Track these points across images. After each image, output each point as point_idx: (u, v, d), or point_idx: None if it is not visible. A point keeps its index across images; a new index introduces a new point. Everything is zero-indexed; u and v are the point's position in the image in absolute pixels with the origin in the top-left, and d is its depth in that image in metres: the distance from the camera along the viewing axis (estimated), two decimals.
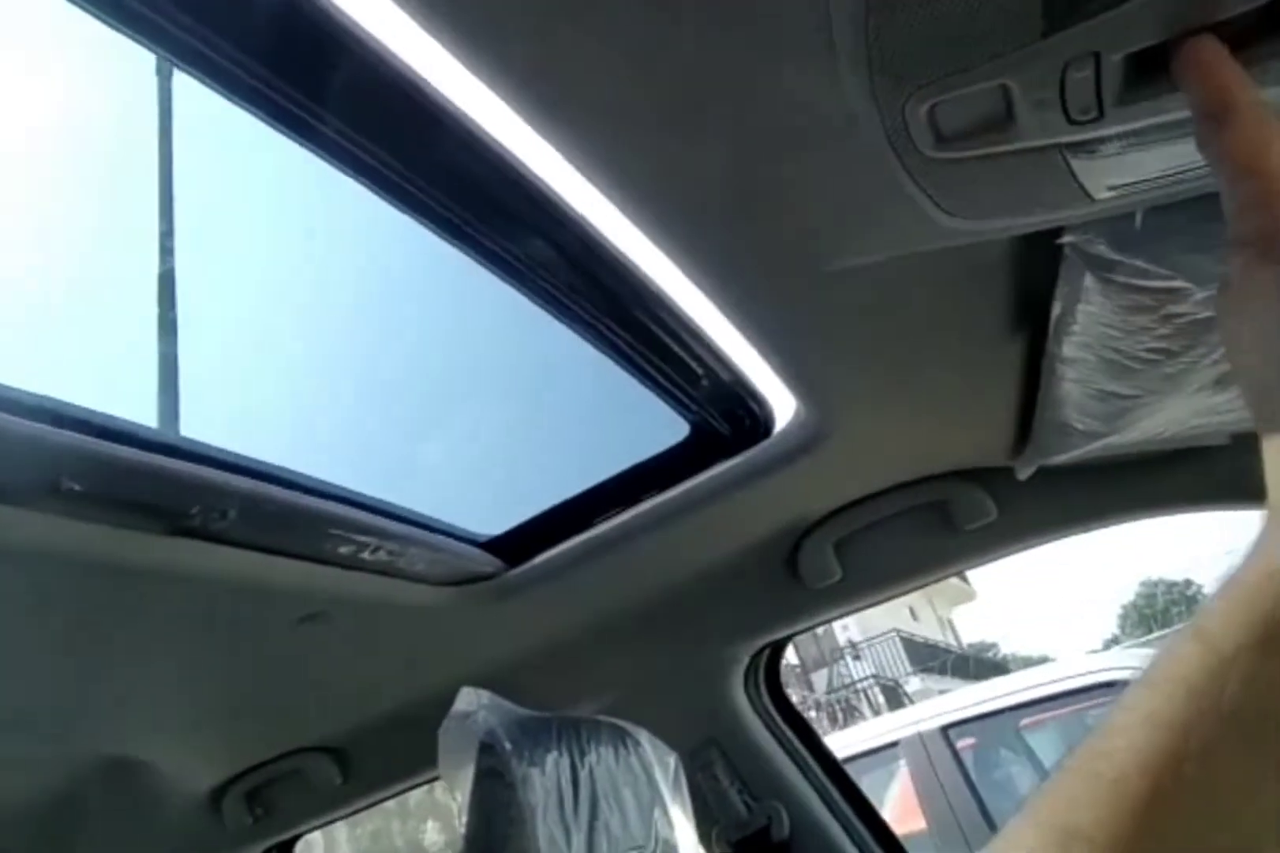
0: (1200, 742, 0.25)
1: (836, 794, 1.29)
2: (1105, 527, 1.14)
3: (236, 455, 0.80)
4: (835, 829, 1.25)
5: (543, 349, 1.08)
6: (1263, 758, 0.25)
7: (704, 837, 1.23)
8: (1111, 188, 0.58)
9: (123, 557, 0.78)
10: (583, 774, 0.95)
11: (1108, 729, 0.28)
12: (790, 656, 11.87)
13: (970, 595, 17.38)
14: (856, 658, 12.90)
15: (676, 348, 0.88)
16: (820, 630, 13.19)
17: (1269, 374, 0.32)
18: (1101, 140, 0.54)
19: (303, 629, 1.01)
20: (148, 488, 0.73)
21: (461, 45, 0.49)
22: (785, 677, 1.36)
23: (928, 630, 15.26)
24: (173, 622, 0.92)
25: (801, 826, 1.25)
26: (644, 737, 1.10)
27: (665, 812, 1.05)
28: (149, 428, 0.78)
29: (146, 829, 1.42)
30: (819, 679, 12.66)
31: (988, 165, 0.55)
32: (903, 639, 13.16)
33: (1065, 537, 1.15)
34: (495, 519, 1.09)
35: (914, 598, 15.73)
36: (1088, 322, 0.78)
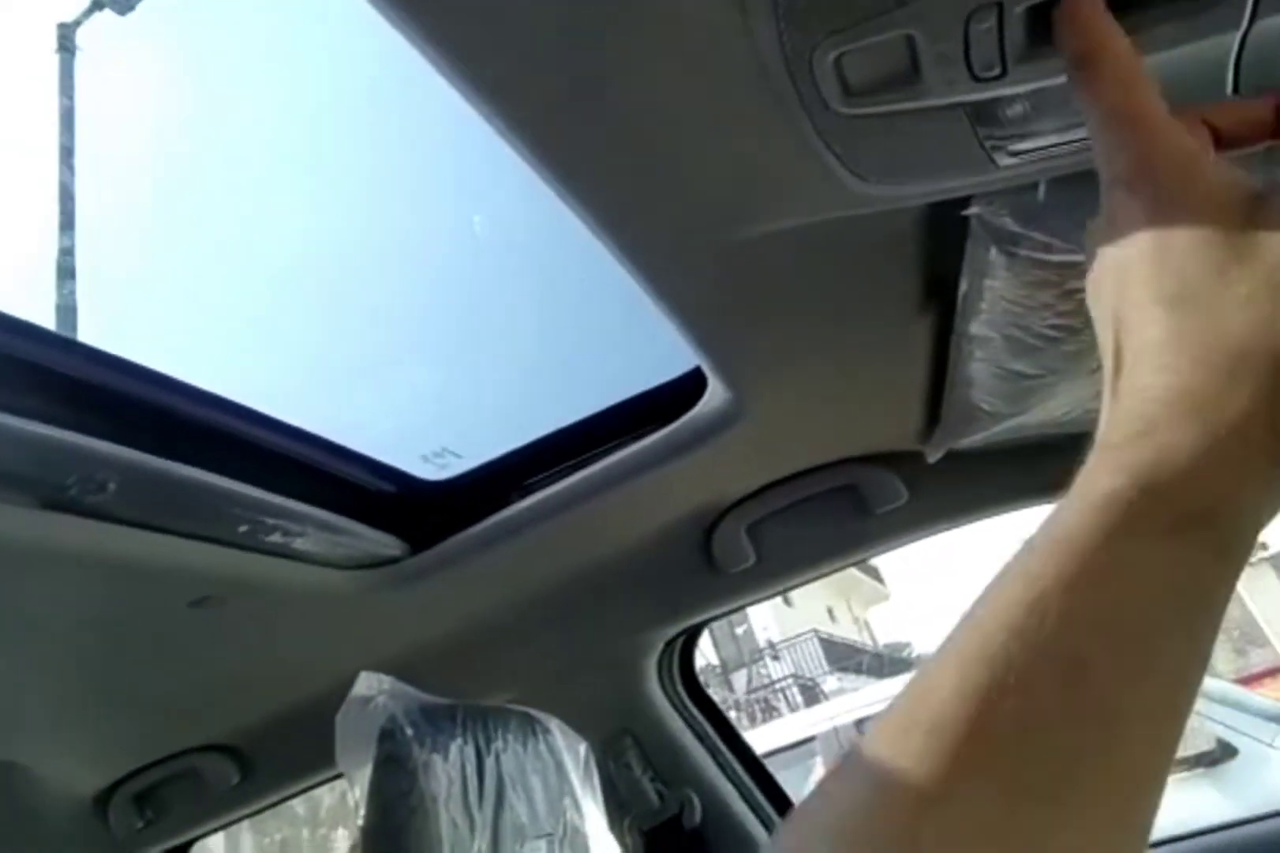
0: (1019, 678, 0.26)
1: (750, 782, 1.29)
2: (1014, 510, 1.17)
3: (117, 423, 0.75)
4: (748, 817, 1.25)
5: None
6: (1076, 694, 0.26)
7: (616, 826, 1.21)
8: (1015, 154, 0.58)
9: None
10: (488, 762, 0.93)
11: (931, 667, 0.28)
12: (710, 656, 11.96)
13: (885, 596, 17.77)
14: (775, 658, 13.05)
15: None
16: (740, 631, 13.33)
17: (1123, 307, 0.32)
18: (1005, 101, 0.54)
19: (193, 616, 0.95)
20: (18, 456, 0.68)
21: None
22: (705, 678, 1.35)
23: (845, 631, 15.54)
24: (46, 606, 0.86)
25: (714, 813, 1.24)
26: (554, 725, 1.08)
27: (575, 800, 1.03)
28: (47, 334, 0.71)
29: (21, 839, 1.33)
30: (739, 680, 12.78)
31: (895, 124, 0.55)
32: (821, 640, 13.37)
33: (975, 520, 1.17)
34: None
35: (832, 599, 16.01)
36: (993, 298, 0.79)
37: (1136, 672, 0.26)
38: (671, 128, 0.58)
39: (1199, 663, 0.28)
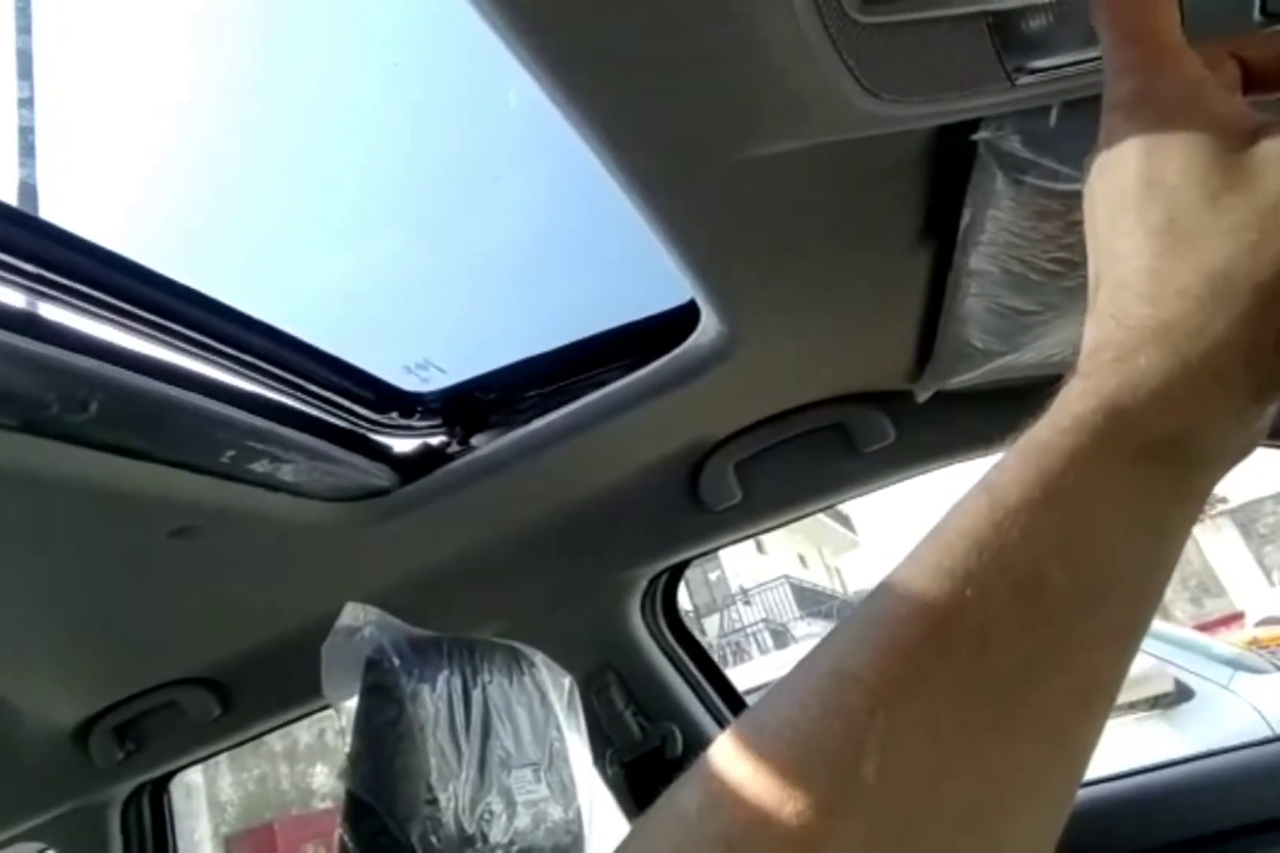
0: (977, 592, 0.26)
1: (730, 716, 1.31)
2: (1001, 452, 1.17)
3: (101, 341, 0.72)
4: None
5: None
6: (1032, 611, 0.26)
7: (598, 758, 1.23)
8: (1033, 71, 0.57)
9: None
10: (475, 693, 0.93)
11: (892, 579, 0.29)
12: (684, 601, 12.15)
13: (855, 544, 18.07)
14: (748, 604, 13.29)
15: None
16: (713, 577, 13.54)
17: (1112, 234, 0.32)
18: (1029, 12, 0.52)
19: (174, 546, 0.94)
20: (2, 372, 0.65)
21: None
22: (686, 624, 1.36)
23: (816, 578, 15.83)
24: (22, 534, 0.84)
25: (695, 746, 1.26)
26: (539, 659, 1.08)
27: (560, 732, 1.04)
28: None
29: (2, 770, 1.33)
30: (711, 624, 13.02)
31: (913, 35, 0.53)
32: (792, 586, 13.62)
33: (962, 461, 1.17)
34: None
35: (804, 546, 16.27)
36: (995, 230, 0.77)
37: (1092, 593, 0.27)
38: (678, 36, 0.55)
39: (1155, 590, 0.28)
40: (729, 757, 0.28)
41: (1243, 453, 0.30)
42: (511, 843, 0.86)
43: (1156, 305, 0.29)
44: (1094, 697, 0.27)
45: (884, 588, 0.28)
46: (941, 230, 0.81)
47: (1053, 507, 0.27)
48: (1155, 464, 0.28)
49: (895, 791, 0.25)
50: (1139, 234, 0.31)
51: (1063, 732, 0.27)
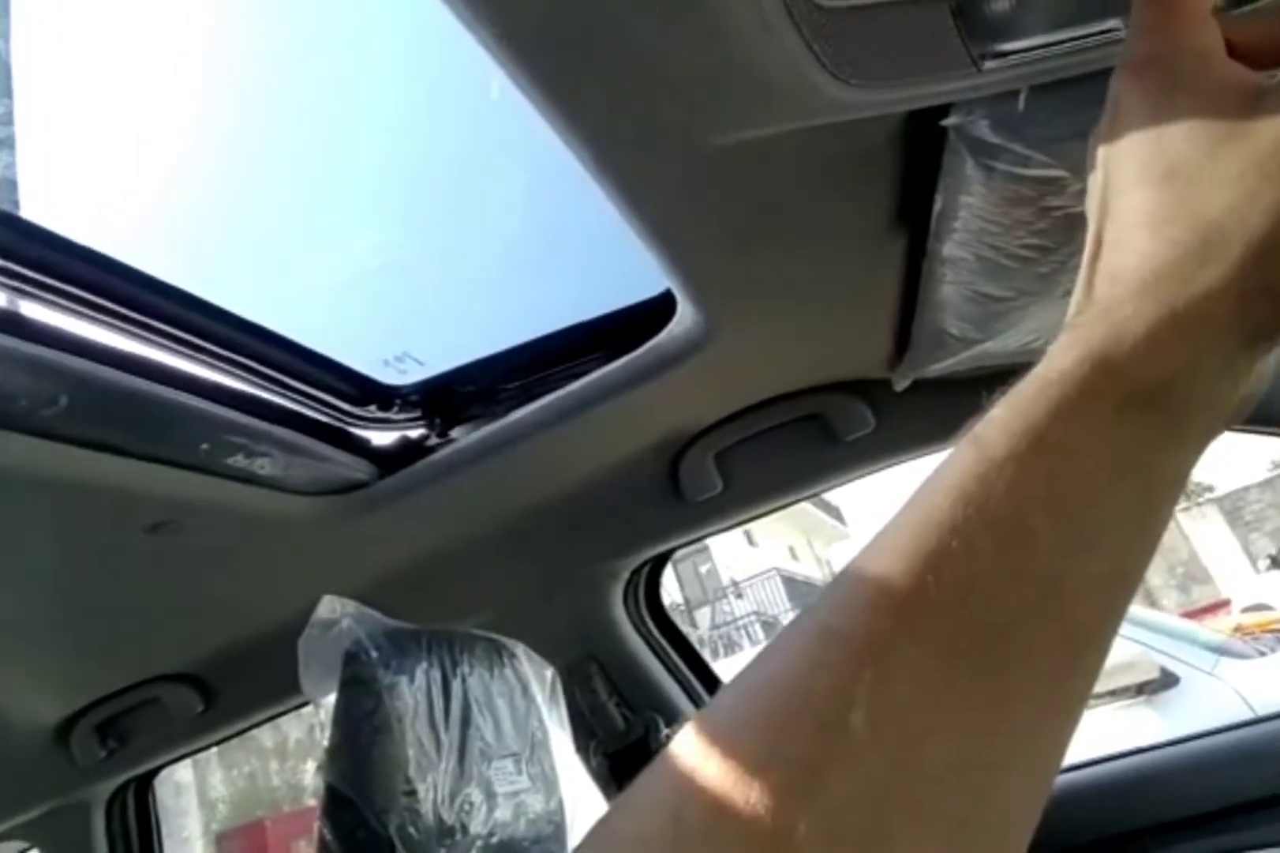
0: (962, 545, 0.26)
1: None
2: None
3: (73, 335, 0.71)
4: None
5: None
6: (1019, 562, 0.26)
7: (582, 749, 1.23)
8: (999, 56, 0.56)
9: None
10: (455, 685, 0.93)
11: (879, 536, 0.29)
12: (675, 595, 12.18)
13: (846, 536, 18.12)
14: (739, 596, 13.32)
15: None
16: (704, 570, 13.56)
17: (1108, 194, 0.32)
18: None
19: (151, 541, 0.93)
20: None
21: None
22: (670, 615, 1.36)
23: (807, 569, 15.87)
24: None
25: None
26: (520, 650, 1.08)
27: (541, 723, 1.04)
28: None
29: None
30: (703, 617, 13.04)
31: (877, 19, 0.53)
32: (783, 578, 13.65)
33: (942, 449, 1.17)
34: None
35: (794, 538, 16.31)
36: (968, 216, 0.77)
37: (1080, 544, 0.27)
38: (645, 25, 0.55)
39: (1145, 541, 0.28)
40: (717, 715, 0.28)
41: (1236, 410, 0.30)
42: (492, 834, 0.86)
43: (1148, 257, 0.29)
44: (1083, 650, 0.27)
45: (871, 546, 0.28)
46: (915, 217, 0.81)
47: (1039, 457, 0.27)
48: (1142, 411, 0.27)
49: (884, 743, 0.24)
50: (1136, 190, 0.31)
51: (1053, 686, 0.26)
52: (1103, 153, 0.34)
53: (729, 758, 0.25)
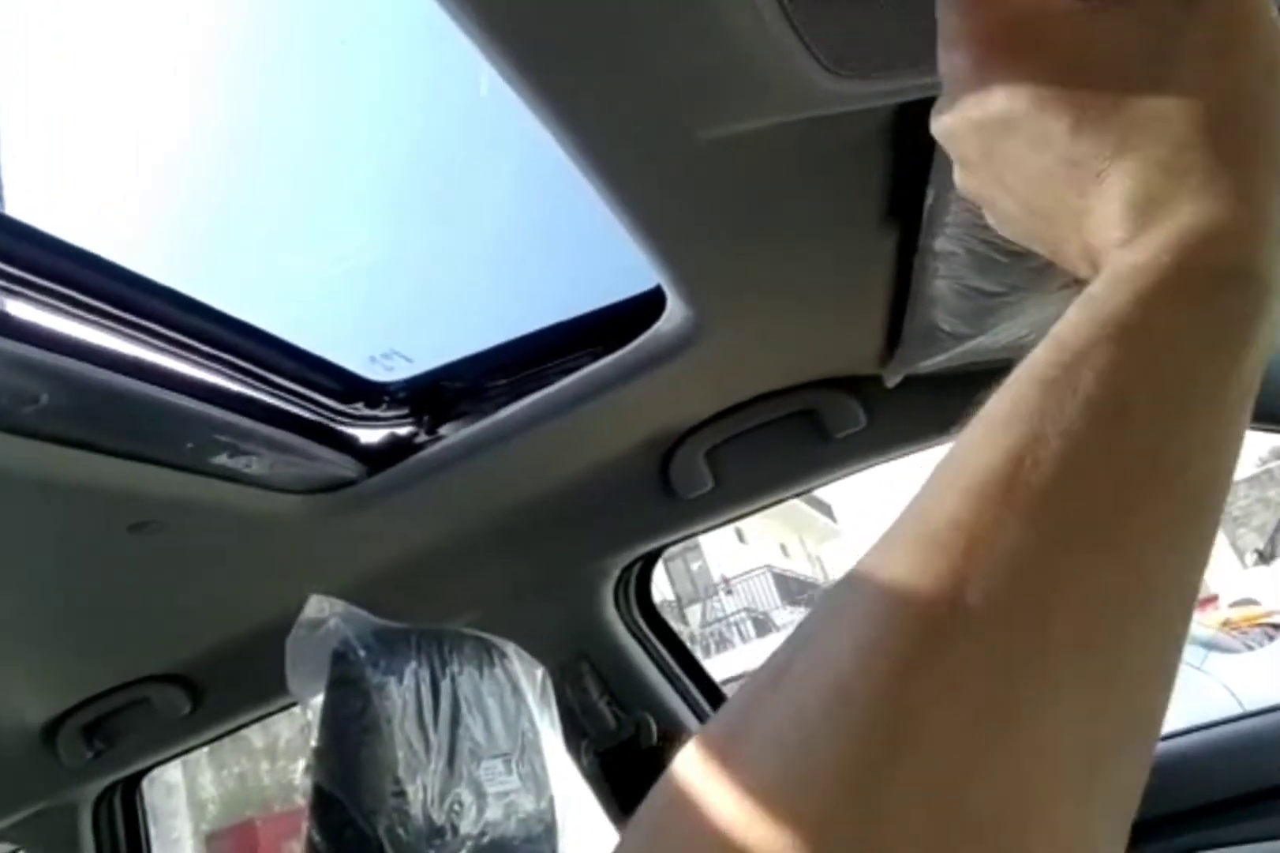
0: (1056, 424, 0.25)
1: (705, 704, 1.31)
2: None
3: (53, 331, 0.70)
4: None
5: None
6: (1118, 434, 0.26)
7: (572, 748, 1.23)
8: None
9: None
10: (444, 684, 0.92)
11: (965, 435, 0.28)
12: (665, 591, 12.19)
13: (837, 533, 18.16)
14: (730, 593, 13.33)
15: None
16: (695, 567, 13.57)
17: (1037, 210, 0.33)
18: None
19: (136, 540, 0.92)
20: None
21: None
22: (661, 612, 1.36)
23: (798, 566, 15.90)
24: None
25: (670, 735, 1.26)
26: (511, 649, 1.07)
27: (532, 722, 1.04)
28: None
29: None
30: (694, 614, 13.05)
31: (867, 9, 0.52)
32: (774, 575, 13.67)
33: (934, 445, 1.17)
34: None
35: (785, 535, 16.33)
36: (959, 210, 0.77)
37: (1176, 417, 0.26)
38: (633, 16, 0.54)
39: (1238, 414, 0.27)
40: (816, 616, 0.28)
41: None
42: (482, 834, 0.86)
43: (1187, 151, 0.28)
44: (1196, 518, 0.26)
45: (957, 445, 0.28)
46: (906, 211, 0.81)
47: (1124, 342, 0.26)
48: (1222, 295, 0.27)
49: (1007, 619, 0.24)
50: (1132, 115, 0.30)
51: (1166, 551, 0.26)
52: (1002, 163, 0.34)
53: (823, 669, 0.25)
